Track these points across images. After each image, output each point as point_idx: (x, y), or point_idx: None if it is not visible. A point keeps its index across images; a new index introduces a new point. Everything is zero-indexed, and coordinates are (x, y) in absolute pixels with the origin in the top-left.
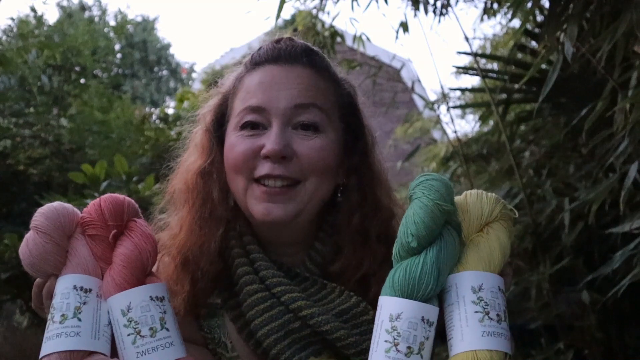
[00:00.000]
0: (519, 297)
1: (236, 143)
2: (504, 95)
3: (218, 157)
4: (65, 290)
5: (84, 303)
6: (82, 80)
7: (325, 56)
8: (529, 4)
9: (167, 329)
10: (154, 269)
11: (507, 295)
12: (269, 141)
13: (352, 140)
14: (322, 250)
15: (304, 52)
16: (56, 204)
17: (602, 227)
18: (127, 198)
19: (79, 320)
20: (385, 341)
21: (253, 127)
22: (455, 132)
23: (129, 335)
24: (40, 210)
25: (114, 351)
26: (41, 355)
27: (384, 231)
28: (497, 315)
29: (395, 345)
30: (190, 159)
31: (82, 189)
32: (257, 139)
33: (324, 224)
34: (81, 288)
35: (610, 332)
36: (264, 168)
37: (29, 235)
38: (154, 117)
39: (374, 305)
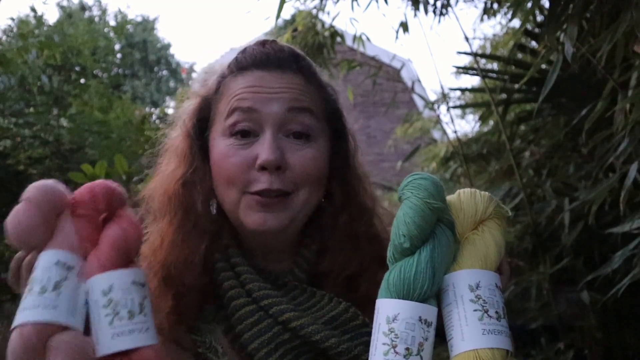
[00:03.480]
0: (519, 297)
1: (228, 153)
2: (504, 95)
3: (201, 166)
4: (47, 264)
5: (65, 279)
6: (82, 80)
7: (311, 61)
8: (529, 4)
9: (145, 315)
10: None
11: (507, 295)
12: (263, 150)
13: (336, 145)
14: (307, 256)
15: (292, 58)
16: (49, 180)
17: (602, 227)
18: (119, 187)
19: (58, 295)
20: (383, 344)
21: (244, 135)
22: (455, 132)
23: (106, 315)
24: (33, 184)
25: (86, 333)
26: (15, 324)
27: (369, 231)
28: (496, 312)
29: (394, 347)
30: (170, 167)
31: None
32: (250, 148)
33: (307, 228)
34: (64, 264)
35: (610, 332)
36: (261, 182)
37: (19, 207)
38: (154, 117)
39: (362, 304)
